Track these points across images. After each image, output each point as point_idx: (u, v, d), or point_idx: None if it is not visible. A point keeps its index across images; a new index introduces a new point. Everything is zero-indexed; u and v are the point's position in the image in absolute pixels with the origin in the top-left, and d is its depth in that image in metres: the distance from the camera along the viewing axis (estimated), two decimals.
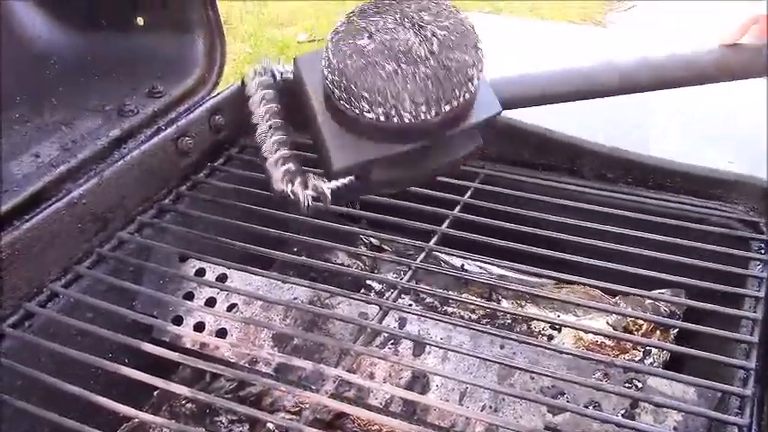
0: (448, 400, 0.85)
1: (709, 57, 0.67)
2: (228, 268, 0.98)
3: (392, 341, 0.92)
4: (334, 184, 0.62)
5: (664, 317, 0.98)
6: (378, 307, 0.86)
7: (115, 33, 1.12)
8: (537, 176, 1.08)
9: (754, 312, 0.84)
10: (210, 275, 1.00)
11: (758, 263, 0.91)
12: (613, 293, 1.01)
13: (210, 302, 1.00)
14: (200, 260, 0.99)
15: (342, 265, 1.14)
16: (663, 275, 0.87)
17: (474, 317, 1.04)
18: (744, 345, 0.80)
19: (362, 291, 1.08)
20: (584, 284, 0.94)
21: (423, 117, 0.58)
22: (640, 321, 0.99)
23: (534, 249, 0.91)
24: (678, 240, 0.93)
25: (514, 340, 0.83)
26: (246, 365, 0.91)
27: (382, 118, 0.58)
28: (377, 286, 1.09)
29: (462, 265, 1.10)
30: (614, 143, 1.05)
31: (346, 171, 0.62)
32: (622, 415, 0.80)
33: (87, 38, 1.12)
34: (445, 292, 1.01)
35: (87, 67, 1.10)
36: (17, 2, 1.07)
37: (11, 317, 0.83)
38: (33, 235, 0.86)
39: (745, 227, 0.98)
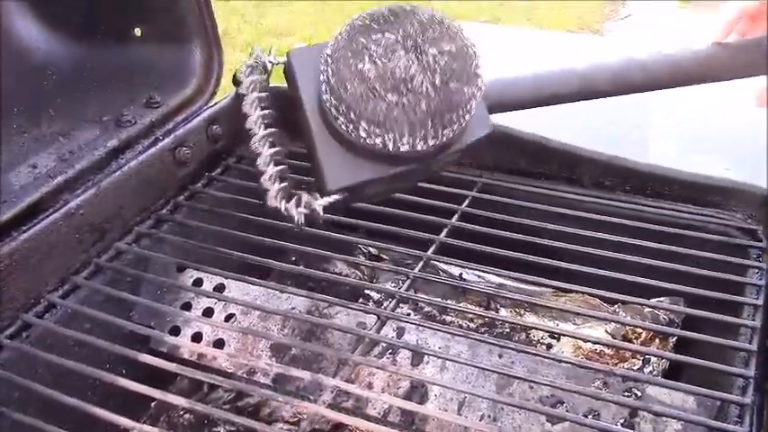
0: (446, 410, 0.85)
1: (697, 56, 0.67)
2: (226, 278, 0.98)
3: (390, 351, 0.92)
4: (326, 200, 0.62)
5: (663, 325, 0.97)
6: (376, 316, 0.86)
7: (113, 44, 1.12)
8: (535, 185, 1.08)
9: (753, 321, 0.84)
10: (208, 285, 1.00)
11: (756, 271, 0.91)
12: (612, 302, 1.01)
13: (208, 313, 0.99)
14: (197, 270, 0.99)
15: (340, 274, 1.14)
16: (661, 284, 0.87)
17: (472, 326, 1.04)
18: (743, 353, 0.80)
19: (361, 300, 1.08)
20: (583, 293, 0.93)
21: (420, 148, 0.58)
22: (639, 330, 0.99)
23: (533, 258, 0.91)
24: (676, 248, 0.93)
25: (513, 349, 0.83)
26: (244, 376, 0.91)
27: (380, 146, 0.58)
28: (375, 296, 1.09)
29: (461, 274, 1.10)
30: (612, 148, 1.06)
31: (340, 191, 0.62)
32: (622, 424, 0.79)
33: (85, 49, 1.12)
34: (443, 301, 1.01)
35: (85, 77, 1.10)
36: (15, 13, 1.08)
37: (8, 328, 0.83)
38: (31, 246, 0.86)
39: (743, 235, 0.98)
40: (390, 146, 0.58)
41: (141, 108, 1.08)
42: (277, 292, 0.97)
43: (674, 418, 0.77)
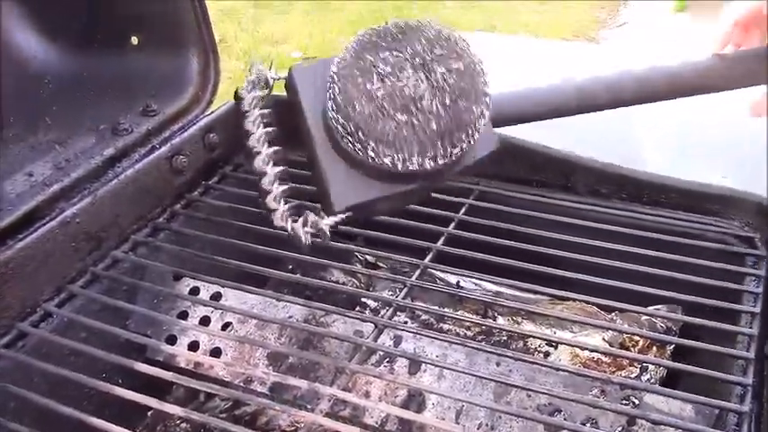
0: (444, 419, 0.84)
1: (696, 68, 0.67)
2: (223, 287, 0.98)
3: (388, 359, 0.92)
4: (332, 220, 0.62)
5: (660, 333, 0.97)
6: (373, 325, 0.86)
7: (109, 52, 1.12)
8: (531, 192, 1.08)
9: (750, 328, 0.84)
10: (205, 294, 1.00)
11: (753, 278, 0.91)
12: (609, 310, 1.01)
13: (205, 321, 0.99)
14: (194, 279, 0.99)
15: (337, 282, 1.14)
16: (659, 291, 0.87)
17: (470, 334, 1.04)
18: (740, 361, 0.80)
19: (358, 308, 1.08)
20: (580, 301, 0.93)
21: (429, 167, 0.58)
22: (636, 338, 0.99)
23: (529, 266, 0.91)
24: (673, 256, 0.93)
25: (511, 358, 0.83)
26: (241, 385, 0.90)
27: (388, 166, 0.58)
28: (372, 304, 1.09)
29: (458, 282, 1.09)
30: (608, 156, 1.06)
31: (346, 210, 0.61)
32: None
33: (82, 57, 1.12)
34: (441, 309, 1.00)
35: (81, 86, 1.10)
36: (12, 22, 1.08)
37: (3, 337, 0.83)
38: (26, 254, 0.85)
39: (740, 242, 0.98)
40: (399, 166, 0.58)
41: (138, 116, 1.08)
42: (274, 300, 0.97)
43: (672, 426, 0.76)
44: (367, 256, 1.16)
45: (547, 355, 1.00)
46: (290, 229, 0.63)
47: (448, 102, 0.58)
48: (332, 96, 0.58)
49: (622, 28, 3.97)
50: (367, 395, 0.89)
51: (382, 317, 0.88)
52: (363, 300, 1.10)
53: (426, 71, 0.58)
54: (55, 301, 0.88)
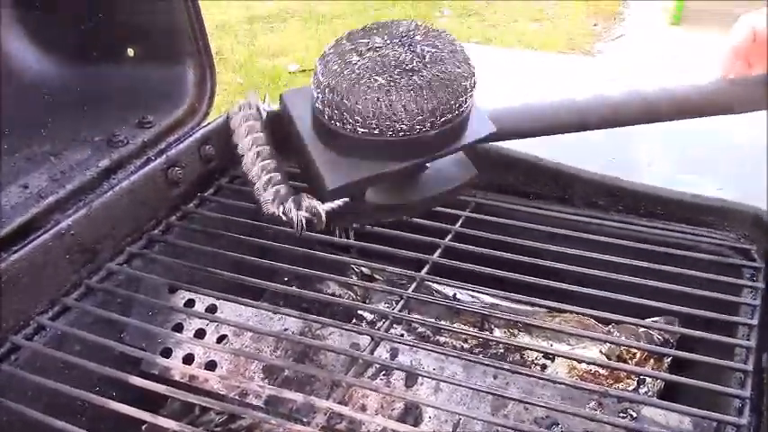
0: None
1: (699, 90, 0.67)
2: (218, 299, 0.98)
3: (384, 372, 0.91)
4: (329, 205, 0.61)
5: (657, 345, 0.97)
6: (369, 337, 0.86)
7: (105, 64, 1.12)
8: (528, 204, 1.08)
9: (748, 340, 0.83)
10: (200, 306, 1.00)
11: (750, 290, 0.91)
12: (606, 322, 1.01)
13: (200, 334, 0.98)
14: (189, 291, 0.98)
15: (333, 295, 1.14)
16: (655, 303, 0.87)
17: (466, 346, 1.03)
18: (738, 373, 0.80)
19: (354, 321, 1.07)
20: (577, 313, 0.93)
21: (417, 129, 0.58)
22: (634, 350, 0.99)
23: (526, 278, 0.91)
24: (670, 268, 0.93)
25: (508, 370, 0.82)
26: (236, 398, 0.90)
27: (376, 131, 0.58)
28: (368, 316, 1.08)
29: (454, 294, 1.09)
30: (604, 167, 1.06)
31: (340, 191, 0.61)
32: None
33: (77, 69, 1.12)
34: (437, 321, 1.00)
35: (77, 97, 1.10)
36: (8, 34, 1.08)
37: None
38: (21, 266, 0.85)
39: (736, 254, 0.98)
40: (388, 130, 0.57)
41: (133, 128, 1.08)
42: (270, 313, 0.96)
43: None
44: (363, 269, 1.15)
45: (544, 367, 1.00)
46: (281, 213, 0.62)
47: (428, 60, 0.58)
48: (316, 81, 0.59)
49: (618, 41, 3.99)
50: (363, 408, 0.88)
51: (379, 329, 0.87)
52: (360, 312, 1.09)
53: (405, 45, 0.59)
54: (49, 314, 0.88)
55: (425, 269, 0.95)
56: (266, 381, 0.93)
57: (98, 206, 0.95)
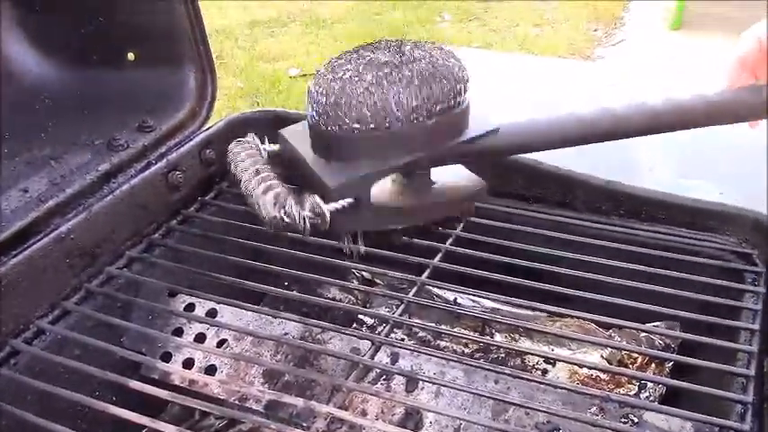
0: None
1: (705, 101, 0.66)
2: (218, 303, 0.97)
3: (384, 377, 0.91)
4: (333, 205, 0.60)
5: (659, 350, 0.97)
6: (370, 342, 0.85)
7: (106, 68, 1.12)
8: (529, 209, 1.07)
9: (750, 345, 0.83)
10: (200, 311, 0.99)
11: (752, 295, 0.91)
12: (607, 327, 1.01)
13: (200, 338, 0.98)
14: (189, 295, 0.98)
15: (333, 299, 1.13)
16: (657, 308, 0.87)
17: (467, 351, 1.03)
18: (740, 378, 0.79)
19: (354, 325, 1.07)
20: (578, 318, 0.93)
21: (413, 118, 0.58)
22: (635, 355, 0.99)
23: (527, 282, 0.90)
24: (672, 272, 0.92)
25: (509, 375, 0.82)
26: (236, 403, 0.89)
27: (372, 126, 0.58)
28: (369, 321, 1.08)
29: (455, 298, 1.09)
30: (606, 172, 1.06)
31: (343, 189, 0.60)
32: None
33: (78, 72, 1.12)
34: (438, 326, 1.00)
35: (77, 101, 1.10)
36: (9, 37, 1.08)
37: None
38: (20, 270, 0.85)
39: (738, 259, 0.97)
40: (385, 122, 0.58)
41: (134, 132, 1.08)
42: (270, 317, 0.96)
43: None
44: (363, 273, 1.15)
45: (545, 372, 1.00)
46: (282, 215, 0.60)
47: (417, 61, 0.59)
48: (310, 98, 0.61)
49: (618, 46, 3.99)
50: (364, 413, 0.88)
51: (379, 334, 0.87)
52: (360, 316, 1.09)
53: (392, 49, 0.60)
54: (49, 318, 0.88)
55: (426, 273, 0.95)
56: (266, 385, 0.93)
57: (98, 210, 0.95)
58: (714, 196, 1.04)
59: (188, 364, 0.95)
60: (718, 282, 0.92)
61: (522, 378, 0.82)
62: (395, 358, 0.91)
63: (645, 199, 1.04)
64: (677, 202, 1.03)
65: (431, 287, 0.98)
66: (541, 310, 0.95)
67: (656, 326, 0.95)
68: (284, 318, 0.91)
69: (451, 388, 0.83)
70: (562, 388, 0.82)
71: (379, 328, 0.91)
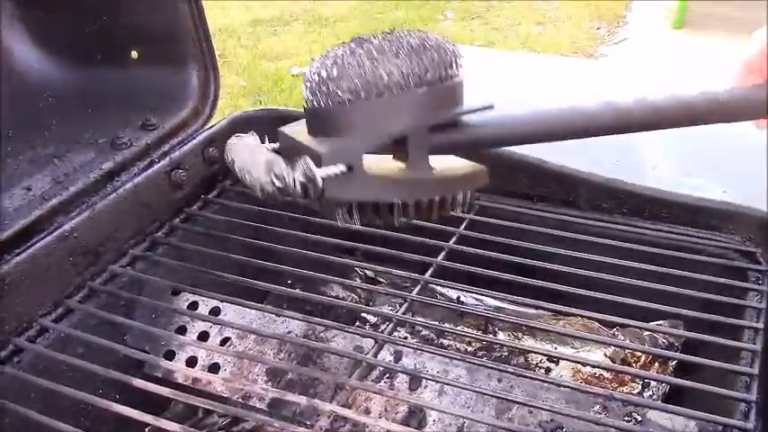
0: None
1: (707, 98, 0.66)
2: (222, 302, 0.97)
3: (388, 375, 0.91)
4: (325, 171, 0.60)
5: (662, 348, 0.97)
6: (373, 340, 0.85)
7: (109, 66, 1.12)
8: (532, 207, 1.07)
9: (754, 344, 0.83)
10: (203, 309, 0.99)
11: (756, 293, 0.91)
12: (611, 325, 1.00)
13: (203, 336, 0.98)
14: (193, 293, 0.98)
15: (336, 297, 1.13)
16: (660, 306, 0.87)
17: (470, 349, 1.03)
18: (744, 377, 0.79)
19: (357, 324, 1.07)
20: (582, 316, 0.93)
21: (403, 85, 0.58)
22: (638, 353, 0.98)
23: (530, 281, 0.90)
24: (675, 271, 0.92)
25: (512, 374, 0.82)
26: (240, 401, 0.90)
27: (363, 95, 0.58)
28: (372, 319, 1.08)
29: (458, 297, 1.09)
30: (609, 170, 1.05)
31: (334, 155, 0.60)
32: None
33: (81, 71, 1.12)
34: (441, 324, 1.00)
35: (81, 99, 1.10)
36: (12, 36, 1.08)
37: (0, 352, 0.82)
38: (24, 269, 0.85)
39: (741, 257, 0.97)
40: (374, 93, 0.58)
41: (137, 130, 1.08)
42: (273, 315, 0.96)
43: None
44: (367, 271, 1.15)
45: (548, 370, 1.00)
46: (273, 177, 0.60)
47: (406, 36, 0.60)
48: (304, 81, 0.61)
49: (621, 44, 3.99)
50: (367, 412, 0.88)
51: (382, 332, 0.87)
52: (363, 315, 1.09)
53: (387, 33, 0.60)
54: (52, 316, 0.88)
55: (429, 272, 0.95)
56: (269, 383, 0.93)
57: (101, 208, 0.95)
58: (717, 195, 1.04)
59: (191, 362, 0.95)
60: (722, 280, 0.92)
61: (526, 376, 0.82)
62: (398, 356, 0.91)
63: (648, 197, 1.04)
64: (680, 200, 1.02)
65: (434, 285, 0.98)
66: (545, 309, 0.95)
67: (660, 324, 0.94)
68: (287, 316, 0.91)
69: (455, 386, 0.83)
70: (565, 386, 0.82)
71: (383, 327, 0.91)
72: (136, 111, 1.10)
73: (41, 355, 0.84)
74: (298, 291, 1.02)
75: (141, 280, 0.96)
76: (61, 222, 0.91)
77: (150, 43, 1.11)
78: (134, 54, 1.12)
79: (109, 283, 0.94)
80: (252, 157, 0.63)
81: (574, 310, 0.88)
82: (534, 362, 1.01)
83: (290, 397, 0.76)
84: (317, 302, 1.07)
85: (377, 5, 4.50)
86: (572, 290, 0.89)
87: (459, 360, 0.87)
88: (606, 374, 0.97)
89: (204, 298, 0.98)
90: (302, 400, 0.75)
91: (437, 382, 0.85)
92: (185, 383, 0.92)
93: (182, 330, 0.98)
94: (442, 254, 0.97)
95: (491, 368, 0.84)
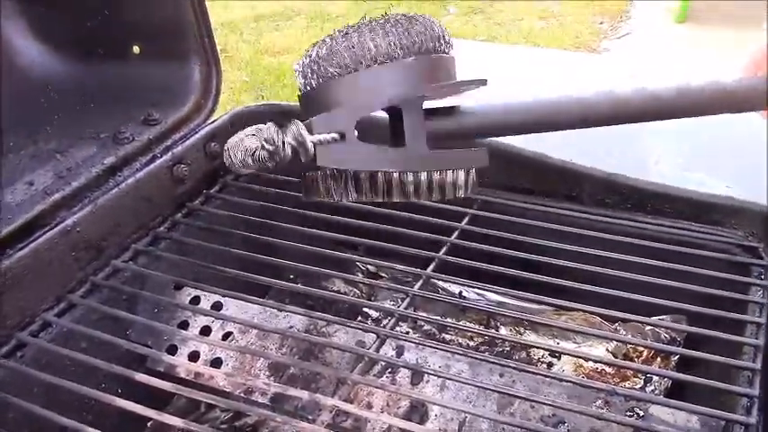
0: (447, 430, 0.84)
1: (703, 89, 0.66)
2: (224, 296, 0.97)
3: (390, 370, 0.91)
4: (316, 137, 0.59)
5: (664, 343, 0.97)
6: (375, 335, 0.85)
7: (111, 61, 1.12)
8: (534, 202, 1.07)
9: (756, 339, 0.83)
10: (206, 304, 0.99)
11: (758, 288, 0.91)
12: (613, 320, 1.00)
13: (206, 331, 0.98)
14: (195, 288, 0.98)
15: (338, 292, 1.13)
16: (663, 301, 0.87)
17: (472, 344, 1.03)
18: (747, 372, 0.79)
19: (359, 318, 1.07)
20: (584, 311, 0.93)
21: (391, 54, 0.58)
22: (641, 348, 0.98)
23: (533, 276, 0.90)
24: (678, 266, 0.92)
25: (514, 368, 0.82)
26: (242, 395, 0.90)
27: (352, 67, 0.58)
28: (374, 314, 1.08)
29: (460, 291, 1.09)
30: (612, 165, 1.05)
31: (325, 122, 0.59)
32: None
33: (83, 66, 1.12)
34: (443, 319, 1.00)
35: (83, 94, 1.10)
36: (14, 31, 1.08)
37: (2, 347, 0.82)
38: (26, 263, 0.85)
39: (744, 252, 0.97)
40: (363, 64, 0.58)
41: (139, 125, 1.08)
42: (275, 310, 0.96)
43: None
44: (369, 266, 1.15)
45: (550, 365, 1.00)
46: (262, 142, 0.59)
47: (397, 15, 0.61)
48: (298, 68, 0.62)
49: (623, 39, 3.98)
50: (369, 406, 0.88)
51: (384, 327, 0.87)
52: (365, 310, 1.09)
53: (380, 19, 0.61)
54: (54, 311, 0.88)
55: (431, 267, 0.95)
56: (272, 378, 0.93)
57: (103, 203, 0.95)
58: (720, 190, 1.04)
59: (193, 356, 0.95)
60: (725, 275, 0.91)
61: (528, 371, 0.82)
62: (400, 351, 0.91)
63: (651, 192, 1.04)
64: (683, 195, 1.02)
65: (436, 280, 0.98)
66: (547, 304, 0.95)
67: (662, 319, 0.94)
68: (289, 311, 0.92)
69: (457, 381, 0.83)
70: (567, 381, 0.82)
71: (385, 322, 0.91)
72: (138, 106, 1.10)
73: (44, 349, 0.84)
74: (300, 285, 1.02)
75: (143, 275, 0.96)
76: (63, 217, 0.91)
77: (152, 38, 1.11)
78: (136, 49, 1.11)
79: (111, 277, 0.94)
80: (242, 134, 0.63)
81: (576, 305, 0.88)
82: (536, 357, 1.01)
83: (292, 392, 0.76)
84: (318, 297, 1.07)
85: (380, 0, 4.50)
86: (574, 285, 0.89)
87: (461, 355, 0.86)
88: (608, 369, 0.97)
89: (206, 293, 0.98)
90: (304, 394, 0.75)
91: (439, 376, 0.85)
92: (188, 378, 0.92)
93: (184, 325, 0.98)
94: (444, 248, 0.97)
95: (493, 363, 0.84)
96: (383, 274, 1.15)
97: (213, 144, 1.12)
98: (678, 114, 0.65)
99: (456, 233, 1.00)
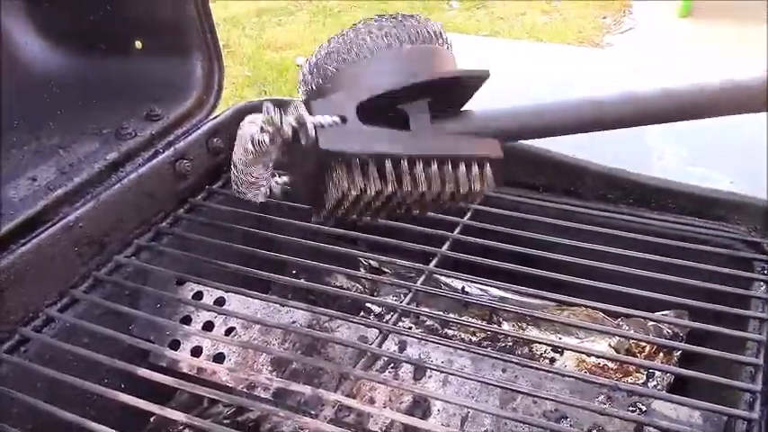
0: (449, 426, 0.84)
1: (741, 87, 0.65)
2: (226, 292, 0.98)
3: (392, 365, 0.91)
4: (318, 119, 0.59)
5: (667, 339, 0.97)
6: (377, 330, 0.85)
7: (113, 57, 1.12)
8: (537, 197, 1.07)
9: (759, 334, 0.83)
10: (208, 299, 1.00)
11: (762, 284, 0.91)
12: (615, 315, 1.00)
13: (208, 326, 0.98)
14: (197, 284, 0.98)
15: (341, 287, 1.13)
16: (665, 297, 0.86)
17: (475, 340, 1.03)
18: (749, 367, 0.79)
19: (362, 314, 1.07)
20: (586, 306, 0.93)
21: (387, 43, 0.59)
22: (643, 343, 0.98)
23: (535, 271, 0.90)
24: (680, 261, 0.92)
25: (516, 363, 0.82)
26: (244, 390, 0.90)
27: (349, 59, 0.59)
28: (376, 309, 1.08)
29: (463, 287, 1.09)
30: (614, 160, 1.05)
31: (326, 105, 0.59)
32: None
33: (85, 61, 1.12)
34: (446, 314, 1.00)
35: (85, 90, 1.10)
36: (16, 26, 1.08)
37: (6, 342, 0.82)
38: (29, 259, 0.85)
39: (747, 247, 0.97)
40: (360, 54, 0.58)
41: (141, 121, 1.08)
42: (278, 305, 0.96)
43: None
44: (371, 261, 1.15)
45: (552, 361, 1.00)
46: (263, 122, 0.59)
47: (393, 15, 0.63)
48: (300, 72, 0.64)
49: (627, 34, 3.97)
50: (371, 401, 0.88)
51: (387, 322, 0.87)
52: (368, 305, 1.09)
53: (377, 18, 0.63)
54: (57, 306, 0.88)
55: (434, 262, 0.95)
56: (274, 373, 0.93)
57: (106, 198, 0.95)
58: (724, 185, 1.04)
59: (196, 351, 0.96)
60: (728, 270, 0.91)
61: (530, 366, 0.82)
62: (402, 346, 0.91)
63: (654, 187, 1.03)
64: (686, 190, 1.02)
65: (439, 276, 0.98)
66: (549, 299, 0.95)
67: (665, 314, 0.94)
68: (292, 306, 0.92)
69: (459, 376, 0.83)
70: (570, 376, 0.82)
71: (387, 317, 0.91)
72: (140, 101, 1.10)
73: (47, 344, 0.84)
74: (302, 281, 1.02)
75: (146, 270, 0.96)
76: (66, 213, 0.91)
77: (154, 33, 1.11)
78: (138, 44, 1.11)
79: (114, 273, 0.94)
80: (243, 127, 0.63)
81: (578, 301, 0.88)
82: (539, 352, 1.01)
83: (295, 386, 0.77)
84: (321, 292, 1.07)
85: None
86: (577, 280, 0.89)
87: (463, 350, 0.87)
88: (611, 364, 0.97)
89: (209, 288, 0.98)
90: (307, 389, 0.76)
91: (441, 372, 0.85)
92: (190, 373, 0.92)
93: (186, 320, 0.98)
94: (447, 244, 0.97)
95: (495, 358, 0.84)
96: (386, 270, 1.15)
97: (215, 139, 1.12)
98: (703, 114, 0.65)
99: (458, 228, 1.00)
